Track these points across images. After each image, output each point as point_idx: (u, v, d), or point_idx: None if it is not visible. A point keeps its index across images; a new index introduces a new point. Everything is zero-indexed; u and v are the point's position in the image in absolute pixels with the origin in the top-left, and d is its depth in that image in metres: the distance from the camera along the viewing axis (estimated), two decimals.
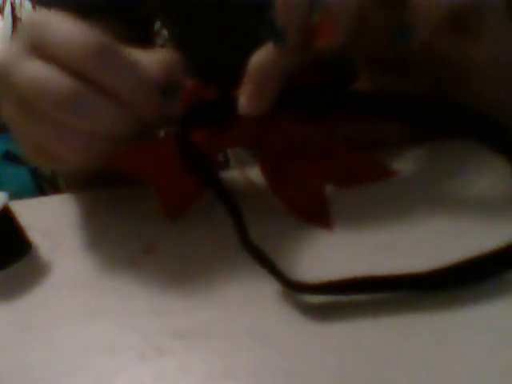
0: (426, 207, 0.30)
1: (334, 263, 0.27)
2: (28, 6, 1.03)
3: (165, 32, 0.67)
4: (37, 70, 0.28)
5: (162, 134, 0.39)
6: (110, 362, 0.25)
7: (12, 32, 1.05)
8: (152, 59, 0.30)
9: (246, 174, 0.35)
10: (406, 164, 0.34)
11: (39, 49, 0.29)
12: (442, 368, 0.21)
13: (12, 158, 1.12)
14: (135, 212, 0.36)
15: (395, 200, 0.31)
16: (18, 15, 1.05)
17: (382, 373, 0.21)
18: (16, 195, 0.37)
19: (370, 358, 0.22)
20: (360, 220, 0.30)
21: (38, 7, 0.49)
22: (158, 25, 0.58)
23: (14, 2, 1.04)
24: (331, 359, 0.22)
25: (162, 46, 0.81)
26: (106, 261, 0.32)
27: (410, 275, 0.24)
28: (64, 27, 0.28)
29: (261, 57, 0.29)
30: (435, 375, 0.21)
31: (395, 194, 0.32)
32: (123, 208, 0.37)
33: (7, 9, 1.05)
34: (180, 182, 0.32)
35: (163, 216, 0.34)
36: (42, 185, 1.12)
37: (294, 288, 0.25)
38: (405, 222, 0.29)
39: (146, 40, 0.54)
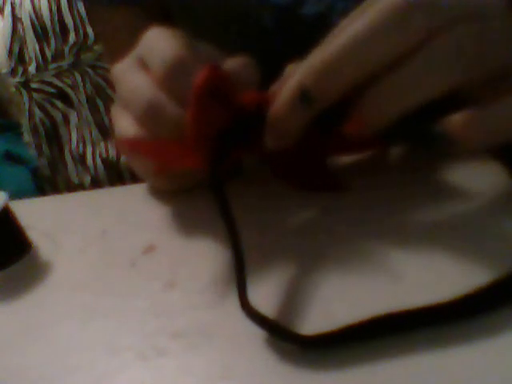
0: (426, 212, 0.30)
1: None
2: (28, 5, 1.03)
3: None
4: (134, 82, 0.32)
5: None
6: (110, 362, 0.25)
7: (12, 32, 1.05)
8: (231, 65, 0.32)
9: None
10: (405, 167, 0.34)
11: (142, 61, 0.32)
12: None
13: (12, 158, 1.12)
14: (135, 212, 0.36)
15: (395, 203, 0.31)
16: (18, 15, 1.05)
17: None
18: (16, 195, 0.37)
19: None
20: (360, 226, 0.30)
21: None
22: None
23: (14, 2, 1.04)
24: (331, 359, 0.22)
25: None
26: (106, 261, 0.32)
27: (429, 308, 0.22)
28: (159, 43, 0.31)
29: (284, 109, 0.27)
30: None
31: (395, 197, 0.32)
32: (123, 208, 0.37)
33: (7, 9, 1.05)
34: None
35: (163, 216, 0.34)
36: (42, 185, 1.12)
37: (304, 345, 0.23)
38: (405, 225, 0.29)
39: None
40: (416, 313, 0.22)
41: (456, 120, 0.25)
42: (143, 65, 0.33)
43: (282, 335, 0.24)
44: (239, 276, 0.26)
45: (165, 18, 0.54)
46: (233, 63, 0.32)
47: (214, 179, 0.27)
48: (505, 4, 0.25)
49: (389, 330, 0.22)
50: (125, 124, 0.33)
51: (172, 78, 0.30)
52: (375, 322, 0.22)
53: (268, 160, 0.34)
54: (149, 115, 0.31)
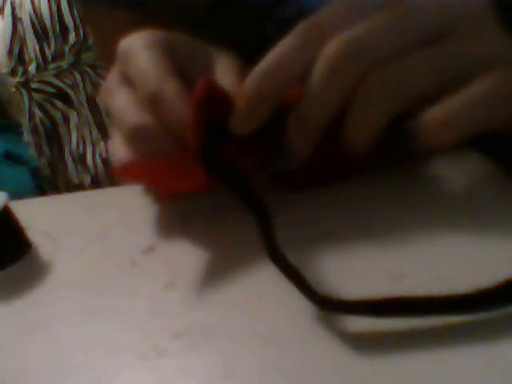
0: (427, 212, 0.30)
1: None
2: (28, 6, 1.03)
3: None
4: (120, 101, 0.32)
5: None
6: (110, 362, 0.25)
7: (12, 32, 1.05)
8: (226, 71, 0.33)
9: None
10: (403, 166, 0.34)
11: (126, 78, 0.32)
12: None
13: (12, 158, 1.12)
14: (135, 212, 0.36)
15: (396, 203, 0.31)
16: (18, 15, 1.05)
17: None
18: (16, 195, 0.37)
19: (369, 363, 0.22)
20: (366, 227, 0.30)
21: None
22: None
23: (14, 2, 1.04)
24: (331, 359, 0.22)
25: None
26: (106, 261, 0.32)
27: (451, 296, 0.22)
28: (142, 61, 0.31)
29: (257, 77, 0.28)
30: None
31: (395, 198, 0.32)
32: (123, 208, 0.37)
33: (7, 9, 1.05)
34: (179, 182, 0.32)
35: (163, 216, 0.34)
36: (42, 185, 1.12)
37: (325, 306, 0.24)
38: (406, 225, 0.29)
39: None
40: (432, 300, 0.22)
41: (423, 122, 0.26)
42: (127, 79, 0.32)
43: (309, 291, 0.24)
44: (263, 223, 0.27)
45: (164, 25, 0.54)
46: (221, 74, 0.33)
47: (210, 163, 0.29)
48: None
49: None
50: (115, 144, 0.33)
51: (156, 104, 0.30)
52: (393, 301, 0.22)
53: (274, 175, 0.34)
54: (136, 138, 0.31)
